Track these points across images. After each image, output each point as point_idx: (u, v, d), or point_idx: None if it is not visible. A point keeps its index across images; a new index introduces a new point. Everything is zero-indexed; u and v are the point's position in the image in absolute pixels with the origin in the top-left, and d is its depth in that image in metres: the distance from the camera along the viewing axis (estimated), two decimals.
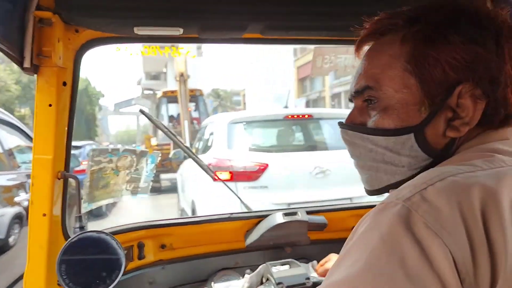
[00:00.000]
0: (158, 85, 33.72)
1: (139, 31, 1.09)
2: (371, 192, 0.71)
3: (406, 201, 0.49)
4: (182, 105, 10.95)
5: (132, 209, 8.19)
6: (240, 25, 1.12)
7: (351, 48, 1.51)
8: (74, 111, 1.15)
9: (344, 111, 6.20)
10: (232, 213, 1.58)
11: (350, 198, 4.18)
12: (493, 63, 0.60)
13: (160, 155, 1.43)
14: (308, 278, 1.25)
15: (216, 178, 1.72)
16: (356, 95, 0.71)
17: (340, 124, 0.74)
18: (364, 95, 0.69)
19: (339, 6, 1.08)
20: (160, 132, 13.41)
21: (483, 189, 0.48)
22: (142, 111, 1.51)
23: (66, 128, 1.13)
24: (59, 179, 1.10)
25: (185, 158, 5.77)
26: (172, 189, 9.04)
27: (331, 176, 4.29)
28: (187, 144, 10.18)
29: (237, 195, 1.69)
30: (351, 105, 0.75)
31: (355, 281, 0.46)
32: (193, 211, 4.77)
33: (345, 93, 30.73)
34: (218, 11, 1.06)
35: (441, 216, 0.46)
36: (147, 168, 1.41)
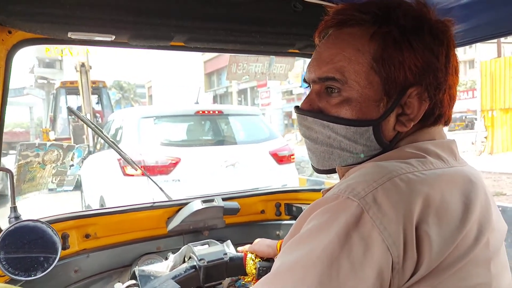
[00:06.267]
0: (54, 74, 30.73)
1: (73, 35, 1.18)
2: (320, 171, 0.79)
3: (361, 201, 0.58)
4: (83, 98, 10.37)
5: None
6: (167, 35, 1.27)
7: (261, 57, 1.76)
8: (5, 108, 1.20)
9: (251, 108, 6.58)
10: (154, 202, 1.72)
11: (257, 188, 4.52)
12: (440, 73, 0.70)
13: (86, 149, 1.51)
14: (225, 254, 1.46)
15: (143, 172, 1.83)
16: (318, 81, 0.74)
17: (300, 110, 0.76)
18: (326, 83, 0.72)
19: (248, 25, 1.30)
20: (58, 126, 12.53)
21: (421, 200, 0.59)
22: (70, 109, 1.55)
23: None
24: None
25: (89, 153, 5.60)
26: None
27: (240, 169, 4.58)
28: (90, 139, 9.68)
29: (159, 186, 1.82)
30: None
31: (310, 264, 0.56)
32: (102, 207, 4.69)
33: (251, 89, 31.71)
34: (147, 22, 1.19)
35: (385, 220, 0.57)
36: (73, 161, 1.49)
